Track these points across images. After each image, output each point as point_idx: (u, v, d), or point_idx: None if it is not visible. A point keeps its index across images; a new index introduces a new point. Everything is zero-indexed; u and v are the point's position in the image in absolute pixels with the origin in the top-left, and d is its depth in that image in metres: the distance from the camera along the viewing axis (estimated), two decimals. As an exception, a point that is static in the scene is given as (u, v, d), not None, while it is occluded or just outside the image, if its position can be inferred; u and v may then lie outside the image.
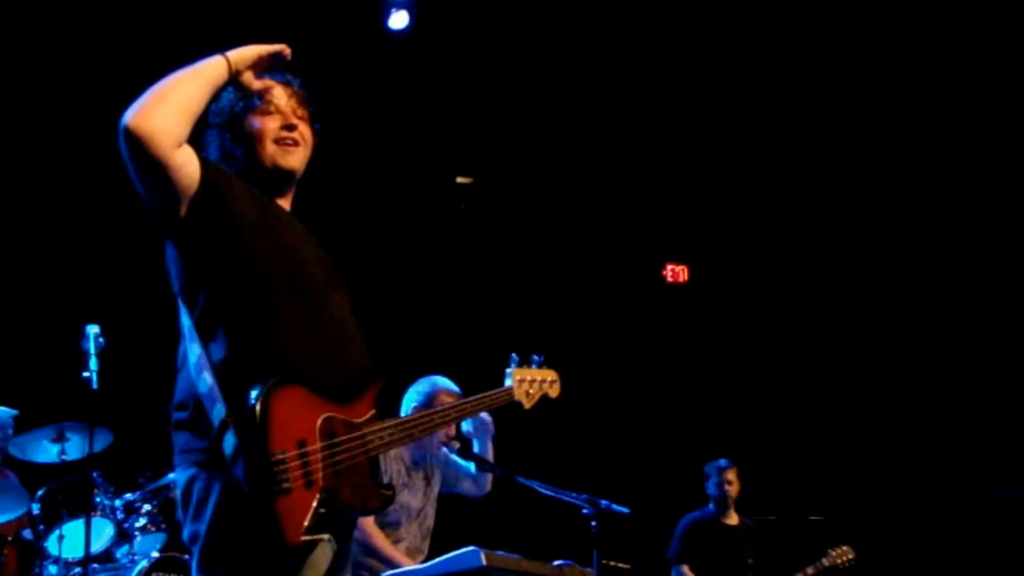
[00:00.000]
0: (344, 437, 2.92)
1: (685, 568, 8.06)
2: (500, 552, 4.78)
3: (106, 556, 6.83)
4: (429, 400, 5.58)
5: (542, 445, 8.99)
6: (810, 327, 10.50)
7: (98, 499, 6.72)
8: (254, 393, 2.75)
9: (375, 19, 8.36)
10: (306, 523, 2.73)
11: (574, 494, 5.38)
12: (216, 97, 3.17)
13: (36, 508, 6.69)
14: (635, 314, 10.65)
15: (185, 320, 3.03)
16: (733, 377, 10.48)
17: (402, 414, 5.49)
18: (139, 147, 2.80)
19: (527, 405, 3.91)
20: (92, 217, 8.23)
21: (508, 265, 10.12)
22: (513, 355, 3.91)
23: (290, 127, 3.23)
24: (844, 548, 7.94)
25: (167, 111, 2.85)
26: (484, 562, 4.63)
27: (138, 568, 6.47)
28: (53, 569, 6.52)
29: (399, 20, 8.35)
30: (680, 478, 8.90)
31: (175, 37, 7.53)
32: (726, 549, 8.10)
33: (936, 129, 9.50)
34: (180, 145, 2.88)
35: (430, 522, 5.81)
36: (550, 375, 4.03)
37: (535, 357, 4.01)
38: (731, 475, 8.22)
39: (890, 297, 10.34)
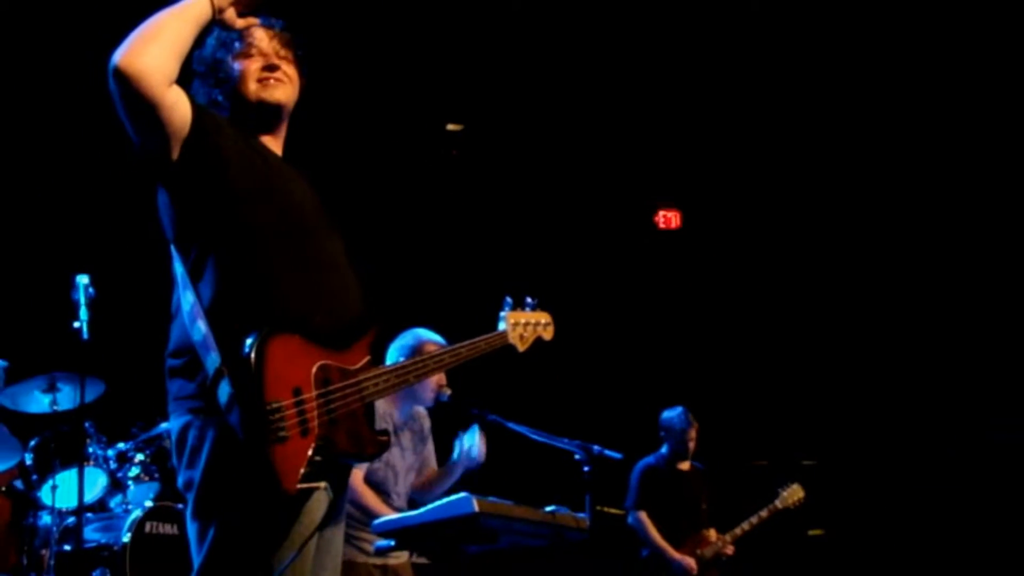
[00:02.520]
0: (339, 384, 2.92)
1: (642, 515, 8.02)
2: (492, 498, 4.78)
3: (100, 505, 6.86)
4: (414, 353, 5.55)
5: (534, 391, 9.01)
6: (802, 274, 10.50)
7: (91, 449, 6.74)
8: (248, 342, 2.75)
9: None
10: (302, 471, 2.74)
11: (566, 440, 5.39)
12: (199, 44, 3.16)
13: (29, 458, 6.70)
14: (627, 261, 10.63)
15: (178, 267, 3.02)
16: (724, 324, 10.48)
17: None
18: (130, 87, 2.80)
19: (521, 348, 3.88)
20: (82, 166, 8.19)
21: (499, 212, 10.10)
22: (507, 298, 3.89)
23: (271, 67, 3.21)
24: (794, 487, 7.96)
25: (156, 50, 2.84)
26: (476, 508, 4.62)
27: (132, 517, 6.49)
28: (47, 519, 6.54)
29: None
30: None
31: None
32: (682, 496, 8.06)
33: (929, 91, 9.44)
34: (170, 84, 2.88)
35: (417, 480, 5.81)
36: (544, 317, 4.00)
37: (529, 300, 3.98)
38: (692, 433, 8.14)
39: (876, 247, 10.33)
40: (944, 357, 9.89)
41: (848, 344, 10.19)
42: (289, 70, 3.25)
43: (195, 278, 2.96)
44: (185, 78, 3.01)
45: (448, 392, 5.46)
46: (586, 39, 9.25)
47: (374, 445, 3.04)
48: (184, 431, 2.94)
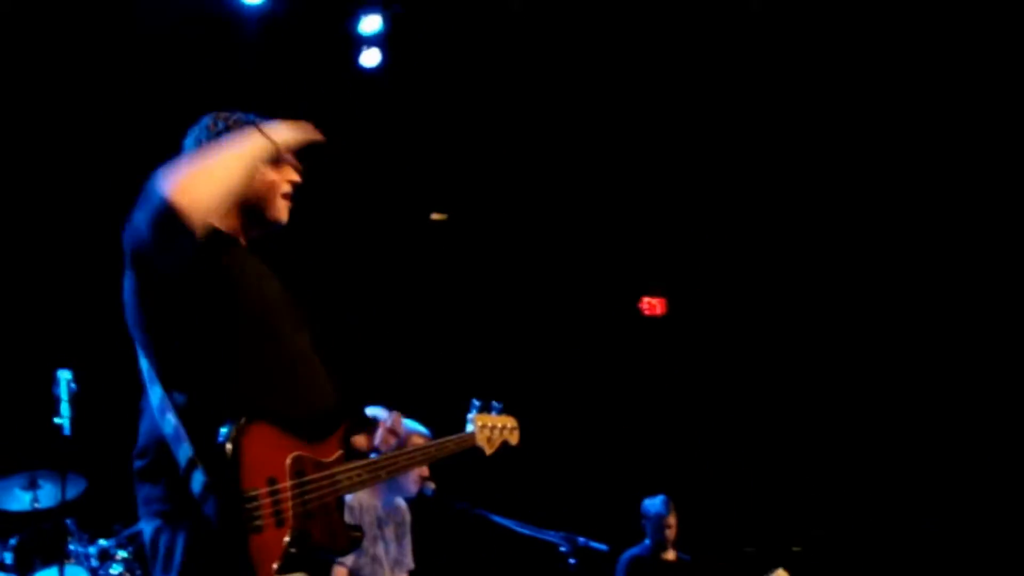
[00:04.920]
0: (313, 476, 2.92)
1: None
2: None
3: (81, 604, 6.76)
4: (401, 443, 5.53)
5: (517, 483, 8.94)
6: (786, 362, 10.49)
7: (72, 546, 6.64)
8: (224, 431, 2.74)
9: (347, 57, 8.36)
10: (277, 563, 2.72)
11: (551, 532, 5.37)
12: (224, 129, 3.22)
13: (9, 557, 6.62)
14: (611, 347, 10.63)
15: (144, 362, 3.02)
16: (709, 411, 10.45)
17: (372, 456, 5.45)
18: (177, 221, 2.76)
19: (488, 451, 3.90)
20: (63, 260, 8.18)
21: (482, 300, 10.10)
22: (474, 400, 3.92)
23: (296, 184, 3.29)
24: (778, 572, 7.89)
25: (212, 192, 2.84)
26: (463, 603, 4.60)
27: (114, 615, 6.40)
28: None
29: (371, 58, 8.36)
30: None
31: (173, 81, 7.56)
32: None
33: (924, 153, 9.49)
34: None
35: (406, 571, 5.77)
36: (510, 422, 4.01)
37: (495, 404, 3.99)
38: (671, 520, 8.09)
39: (862, 335, 10.32)
40: (930, 440, 9.87)
41: (834, 431, 10.16)
42: None
43: (165, 372, 2.94)
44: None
45: (432, 486, 5.44)
46: (569, 128, 9.34)
47: (347, 539, 3.03)
48: (156, 536, 2.92)
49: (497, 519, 5.40)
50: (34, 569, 6.50)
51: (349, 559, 5.38)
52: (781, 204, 10.09)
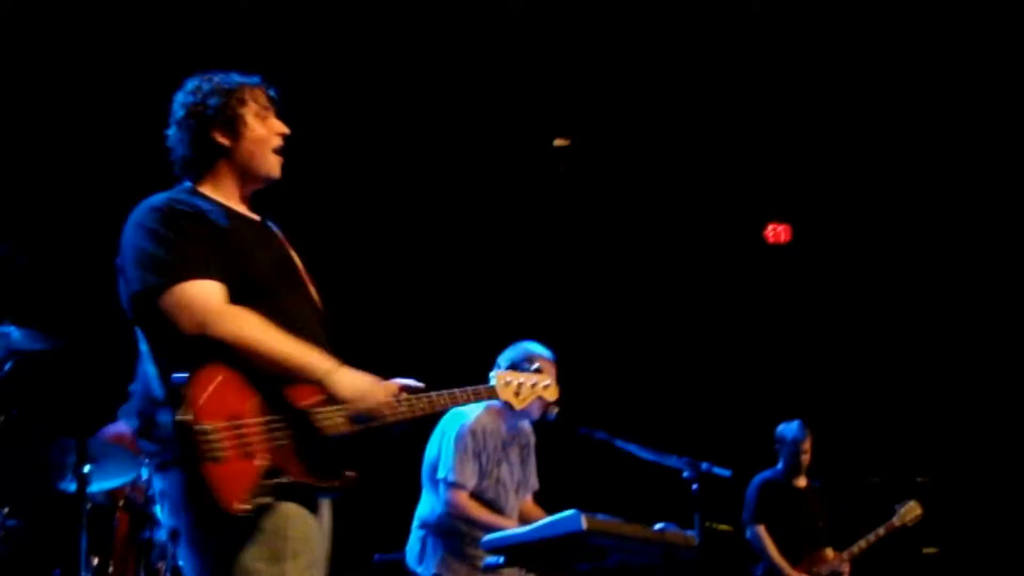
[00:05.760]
0: (286, 415, 3.02)
1: (761, 528, 7.94)
2: (601, 516, 4.77)
3: (215, 520, 6.95)
4: (522, 363, 5.54)
5: (643, 408, 8.96)
6: (913, 289, 10.28)
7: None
8: (184, 374, 2.89)
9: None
10: (249, 491, 2.87)
11: (675, 457, 5.37)
12: (209, 92, 3.27)
13: (145, 473, 6.82)
14: (736, 275, 10.52)
15: (143, 345, 3.17)
16: (835, 340, 10.30)
17: None
18: (193, 336, 2.95)
19: (517, 406, 3.93)
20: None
21: (606, 227, 10.06)
22: (499, 361, 3.93)
23: (285, 138, 3.34)
24: (911, 504, 7.81)
25: (248, 357, 2.97)
26: (585, 526, 4.63)
27: (245, 532, 6.55)
28: (163, 534, 6.64)
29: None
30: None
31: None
32: (799, 512, 7.99)
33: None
34: None
35: (531, 491, 5.83)
36: (543, 379, 4.01)
37: (527, 366, 4.10)
38: (807, 445, 8.06)
39: (995, 260, 10.05)
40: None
41: (964, 360, 9.95)
42: None
43: (148, 326, 3.10)
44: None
45: (555, 411, 5.46)
46: (694, 50, 9.19)
47: (338, 479, 3.12)
48: (158, 483, 3.15)
49: (620, 443, 5.42)
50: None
51: (471, 482, 5.45)
52: (908, 126, 9.82)
